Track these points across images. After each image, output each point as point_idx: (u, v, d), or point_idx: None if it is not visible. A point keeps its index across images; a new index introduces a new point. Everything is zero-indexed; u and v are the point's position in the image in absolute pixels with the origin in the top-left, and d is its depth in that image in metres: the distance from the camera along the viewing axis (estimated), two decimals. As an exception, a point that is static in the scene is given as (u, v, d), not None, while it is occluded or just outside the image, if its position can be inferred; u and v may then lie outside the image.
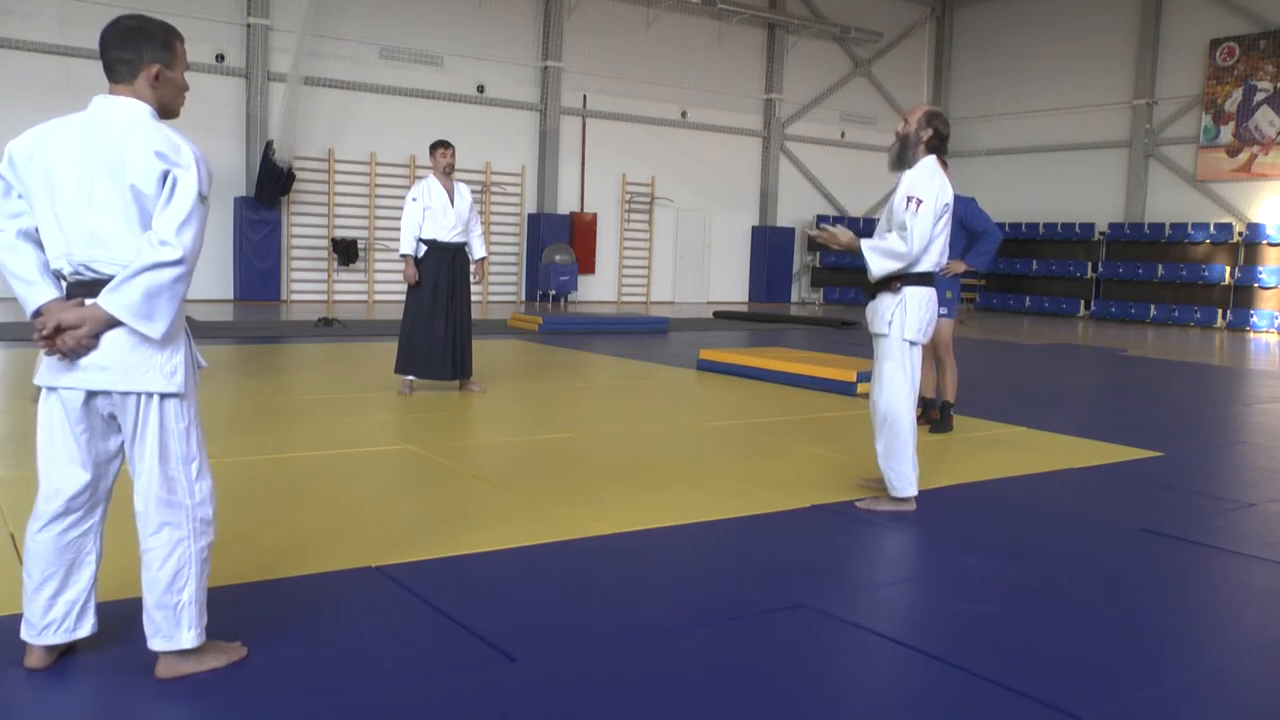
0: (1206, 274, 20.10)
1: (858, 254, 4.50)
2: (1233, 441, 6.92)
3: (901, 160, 4.53)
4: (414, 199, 7.36)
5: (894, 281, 4.44)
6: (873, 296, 4.56)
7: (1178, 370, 11.72)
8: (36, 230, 2.49)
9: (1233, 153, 20.22)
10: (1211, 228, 20.17)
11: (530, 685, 2.63)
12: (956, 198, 6.29)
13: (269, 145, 16.70)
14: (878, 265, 4.41)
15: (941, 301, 6.44)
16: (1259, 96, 19.79)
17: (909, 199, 4.36)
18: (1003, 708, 2.60)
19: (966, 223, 6.68)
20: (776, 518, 4.37)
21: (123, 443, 2.56)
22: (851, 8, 23.47)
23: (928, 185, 4.39)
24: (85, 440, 2.52)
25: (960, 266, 6.55)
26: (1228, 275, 19.85)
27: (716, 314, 17.94)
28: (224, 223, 16.72)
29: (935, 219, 4.39)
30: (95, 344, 2.44)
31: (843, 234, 4.55)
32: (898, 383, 4.45)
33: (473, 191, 7.74)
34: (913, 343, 4.46)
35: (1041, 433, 6.75)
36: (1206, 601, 3.66)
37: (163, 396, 2.50)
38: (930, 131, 4.50)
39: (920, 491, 4.60)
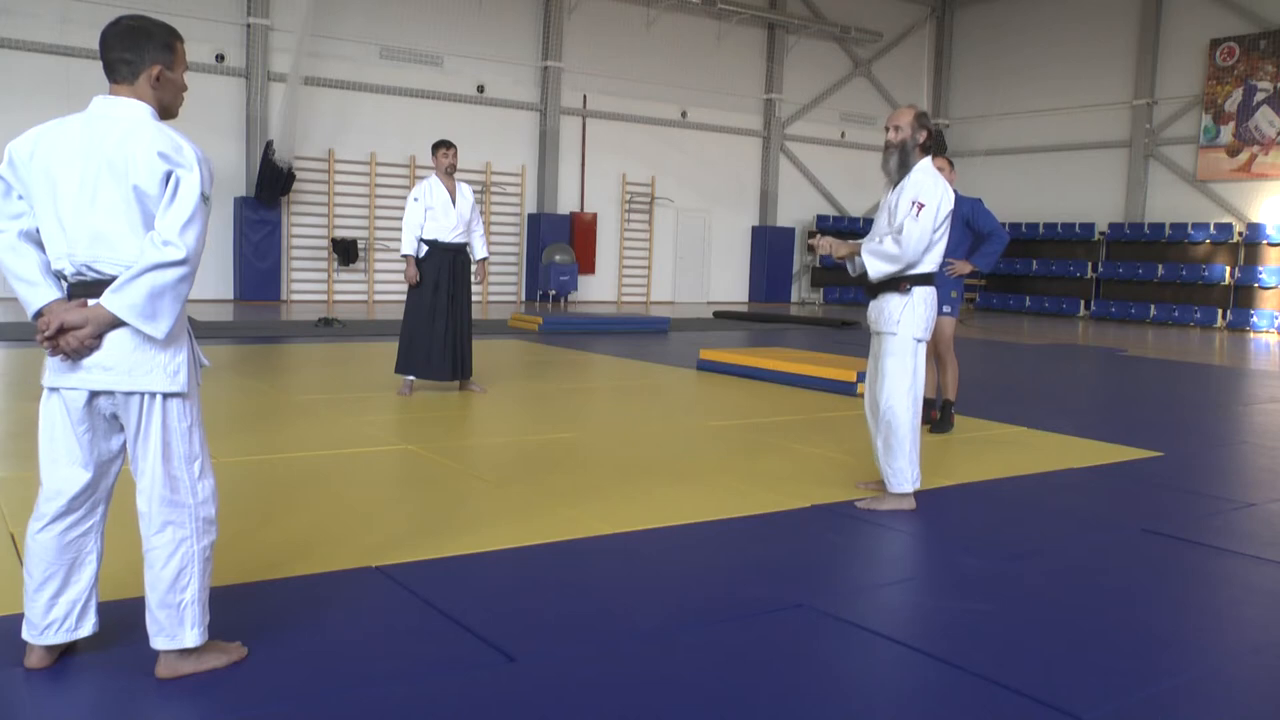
0: (1206, 274, 20.09)
1: (855, 260, 4.61)
2: (1233, 441, 6.92)
3: (904, 169, 4.54)
4: (416, 199, 7.37)
5: (903, 282, 4.49)
6: (874, 296, 4.59)
7: (1178, 370, 11.71)
8: (37, 231, 2.49)
9: (1233, 153, 20.22)
10: (1211, 228, 20.17)
11: (530, 685, 2.63)
12: (963, 199, 6.31)
13: (269, 145, 16.70)
14: (875, 269, 4.48)
15: (945, 301, 6.48)
16: (1259, 96, 19.79)
17: (913, 203, 4.39)
18: (1003, 708, 2.60)
19: (973, 224, 6.68)
20: (776, 518, 4.38)
21: (124, 442, 2.57)
22: (851, 8, 23.47)
23: (931, 190, 4.43)
24: (87, 440, 2.53)
25: (966, 267, 6.57)
26: (1228, 275, 19.84)
27: (716, 314, 17.94)
28: (224, 223, 16.73)
29: (935, 224, 4.44)
30: (98, 344, 2.44)
31: (841, 246, 4.65)
32: (901, 380, 4.48)
33: (473, 191, 7.75)
34: (920, 340, 4.51)
35: (1041, 433, 6.75)
36: (1207, 602, 3.66)
37: (165, 396, 2.50)
38: (925, 133, 4.53)
39: (920, 491, 4.61)
